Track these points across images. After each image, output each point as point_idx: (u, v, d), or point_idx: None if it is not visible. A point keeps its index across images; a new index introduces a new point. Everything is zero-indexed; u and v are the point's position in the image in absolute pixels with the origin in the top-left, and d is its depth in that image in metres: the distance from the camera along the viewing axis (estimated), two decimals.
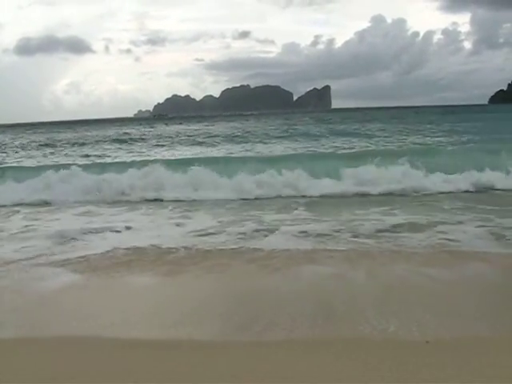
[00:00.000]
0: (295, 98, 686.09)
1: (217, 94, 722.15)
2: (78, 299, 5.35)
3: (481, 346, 3.88)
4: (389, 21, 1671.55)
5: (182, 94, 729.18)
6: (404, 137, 30.20)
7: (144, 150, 28.96)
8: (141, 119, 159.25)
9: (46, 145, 36.50)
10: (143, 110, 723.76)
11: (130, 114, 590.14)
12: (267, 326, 4.37)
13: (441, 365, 3.49)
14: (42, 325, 4.67)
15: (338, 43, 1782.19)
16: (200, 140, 34.77)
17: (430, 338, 4.01)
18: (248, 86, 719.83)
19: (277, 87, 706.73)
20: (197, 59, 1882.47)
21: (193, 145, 31.78)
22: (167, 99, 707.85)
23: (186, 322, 4.57)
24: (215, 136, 37.76)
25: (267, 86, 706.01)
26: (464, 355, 3.68)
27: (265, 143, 30.00)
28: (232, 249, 7.17)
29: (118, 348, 4.05)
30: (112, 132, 53.48)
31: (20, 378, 3.54)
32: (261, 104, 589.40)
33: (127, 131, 54.59)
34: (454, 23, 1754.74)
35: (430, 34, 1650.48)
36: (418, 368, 3.45)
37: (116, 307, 5.18)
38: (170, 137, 40.82)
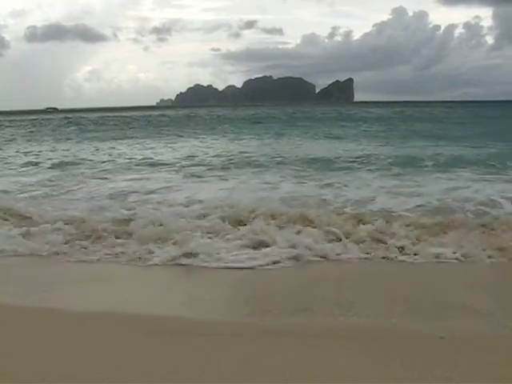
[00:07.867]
0: (317, 90, 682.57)
1: (238, 84, 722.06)
2: None
3: (497, 343, 3.74)
4: (410, 13, 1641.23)
5: (204, 84, 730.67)
6: None
7: None
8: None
9: None
10: (165, 98, 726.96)
11: (153, 103, 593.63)
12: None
13: (455, 362, 3.36)
14: None
15: (356, 35, 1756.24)
16: None
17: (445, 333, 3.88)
18: (270, 76, 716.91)
19: (299, 79, 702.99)
20: (213, 49, 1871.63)
21: None
22: (190, 88, 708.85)
23: None
24: None
25: (290, 78, 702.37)
26: (480, 353, 3.54)
27: None
28: None
29: None
30: None
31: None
32: (284, 95, 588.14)
33: None
34: (477, 17, 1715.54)
35: (451, 28, 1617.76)
36: (430, 365, 3.33)
37: None
38: None
